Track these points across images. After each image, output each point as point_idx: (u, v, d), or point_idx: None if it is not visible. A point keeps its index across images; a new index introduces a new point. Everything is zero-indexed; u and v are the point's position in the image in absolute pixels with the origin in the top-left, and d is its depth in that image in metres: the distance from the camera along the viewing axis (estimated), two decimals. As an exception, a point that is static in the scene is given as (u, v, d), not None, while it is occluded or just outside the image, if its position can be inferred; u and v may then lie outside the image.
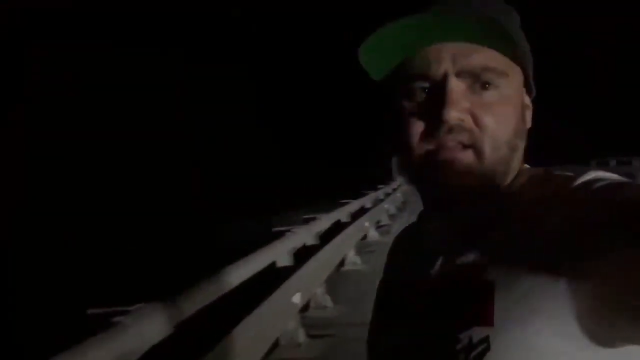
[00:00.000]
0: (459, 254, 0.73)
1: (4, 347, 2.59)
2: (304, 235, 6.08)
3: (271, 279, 4.13)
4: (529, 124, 0.77)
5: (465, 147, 0.71)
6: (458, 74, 0.71)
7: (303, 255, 5.32)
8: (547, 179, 0.72)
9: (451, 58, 0.71)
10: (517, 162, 0.76)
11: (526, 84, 0.77)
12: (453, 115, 0.69)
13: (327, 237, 6.61)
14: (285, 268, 4.88)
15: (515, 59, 0.73)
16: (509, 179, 0.75)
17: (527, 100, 0.77)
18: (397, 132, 0.74)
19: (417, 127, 0.73)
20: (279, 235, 5.36)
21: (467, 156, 0.71)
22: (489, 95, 0.71)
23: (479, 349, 0.66)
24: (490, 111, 0.71)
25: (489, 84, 0.71)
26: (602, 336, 0.62)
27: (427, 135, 0.71)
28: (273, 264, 4.78)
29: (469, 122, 0.70)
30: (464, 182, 0.72)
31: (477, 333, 0.66)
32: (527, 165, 0.78)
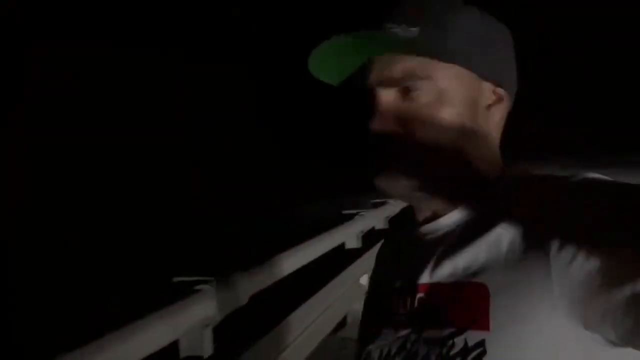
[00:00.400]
0: (451, 258, 0.73)
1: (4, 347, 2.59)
2: (372, 218, 6.29)
3: (340, 260, 4.25)
4: (497, 119, 0.77)
5: (402, 154, 0.72)
6: (383, 84, 0.73)
7: (371, 238, 5.45)
8: (538, 180, 0.73)
9: (377, 70, 0.74)
10: (485, 162, 0.75)
11: (486, 79, 0.76)
12: (379, 125, 0.72)
13: (395, 221, 6.76)
14: (353, 250, 5.05)
15: (445, 60, 0.73)
16: (485, 181, 0.75)
17: (492, 94, 0.77)
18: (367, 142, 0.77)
19: (368, 137, 0.75)
20: (349, 217, 5.57)
21: (404, 164, 0.72)
22: (417, 100, 0.72)
23: (475, 352, 0.66)
24: (418, 116, 0.72)
25: (411, 89, 0.72)
26: (597, 332, 0.62)
27: (373, 144, 0.74)
28: (342, 245, 4.98)
29: (398, 129, 0.72)
30: (404, 187, 0.74)
31: (473, 337, 0.67)
32: (514, 170, 0.78)
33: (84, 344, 1.34)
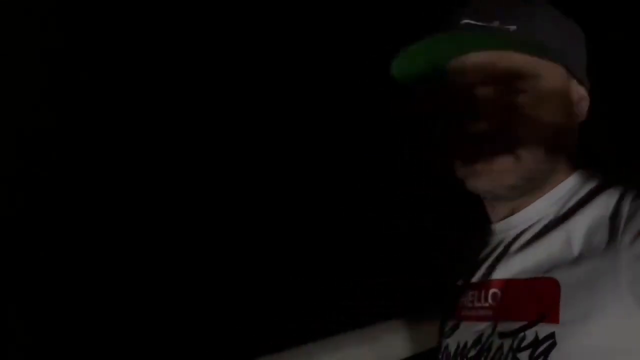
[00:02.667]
0: (525, 254, 0.75)
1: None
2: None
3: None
4: (581, 117, 0.77)
5: (502, 152, 0.71)
6: (486, 82, 0.72)
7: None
8: (604, 177, 0.74)
9: (479, 67, 0.73)
10: (565, 159, 0.76)
11: (574, 77, 0.77)
12: (482, 124, 0.71)
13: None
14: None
15: (547, 58, 0.72)
16: (559, 178, 0.76)
17: (578, 93, 0.77)
18: (437, 143, 0.77)
19: (455, 137, 0.76)
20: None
21: (505, 162, 0.72)
22: (520, 99, 0.72)
23: (545, 345, 0.68)
24: (522, 115, 0.71)
25: (517, 88, 0.72)
26: None
27: (464, 144, 0.74)
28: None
29: (500, 124, 0.71)
30: (501, 186, 0.74)
31: (543, 329, 0.68)
32: (582, 169, 0.78)
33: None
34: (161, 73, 2.99)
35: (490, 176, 0.74)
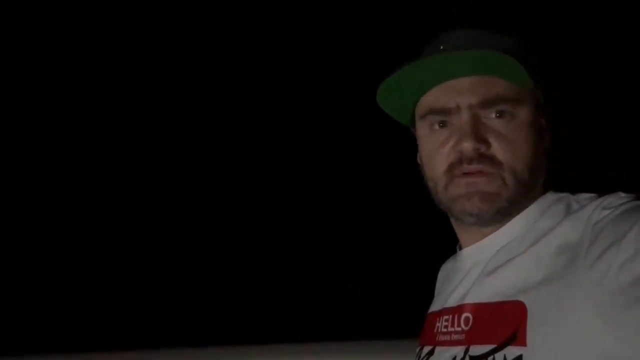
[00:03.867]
0: (494, 277, 0.75)
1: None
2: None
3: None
4: (548, 142, 0.77)
5: (488, 175, 0.73)
6: (473, 106, 0.74)
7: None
8: (571, 200, 0.74)
9: (466, 92, 0.74)
10: (540, 184, 0.76)
11: (546, 105, 0.77)
12: (471, 146, 0.73)
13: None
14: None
15: (528, 85, 0.74)
16: (527, 202, 0.76)
17: (547, 117, 0.77)
18: (425, 165, 0.79)
19: (442, 159, 0.76)
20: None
21: (491, 183, 0.74)
22: (504, 123, 0.74)
23: None
24: (507, 139, 0.73)
25: (503, 112, 0.73)
26: (629, 348, 0.63)
27: (451, 166, 0.75)
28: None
29: (487, 151, 0.73)
30: (490, 208, 0.75)
31: (511, 352, 0.69)
32: (551, 192, 0.79)
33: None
34: (160, 73, 2.99)
35: (481, 199, 0.75)
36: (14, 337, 2.68)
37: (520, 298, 0.71)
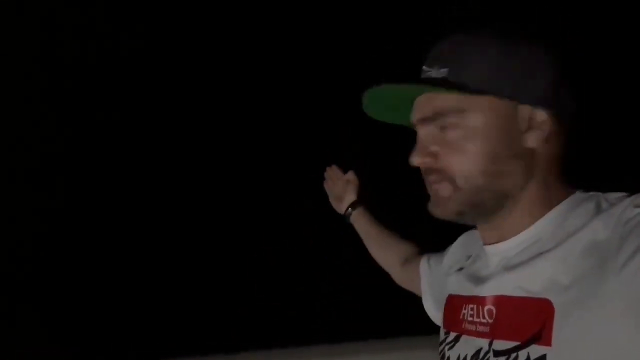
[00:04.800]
0: (517, 272, 0.76)
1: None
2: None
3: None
4: (538, 141, 0.77)
5: (439, 183, 0.78)
6: (419, 123, 0.79)
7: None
8: (600, 199, 0.75)
9: (415, 109, 0.80)
10: (512, 184, 0.77)
11: (530, 104, 0.76)
12: (416, 160, 0.78)
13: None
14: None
15: (475, 94, 0.75)
16: (552, 202, 0.76)
17: (532, 119, 0.76)
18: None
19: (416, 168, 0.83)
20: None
21: (445, 189, 0.77)
22: (450, 134, 0.77)
23: None
24: (453, 148, 0.76)
25: (445, 124, 0.77)
26: None
27: (423, 175, 0.82)
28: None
29: (436, 162, 0.77)
30: (444, 212, 0.79)
31: (535, 351, 0.69)
32: (579, 191, 0.79)
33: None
34: (159, 73, 3.00)
35: (436, 204, 0.79)
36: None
37: (548, 296, 0.72)
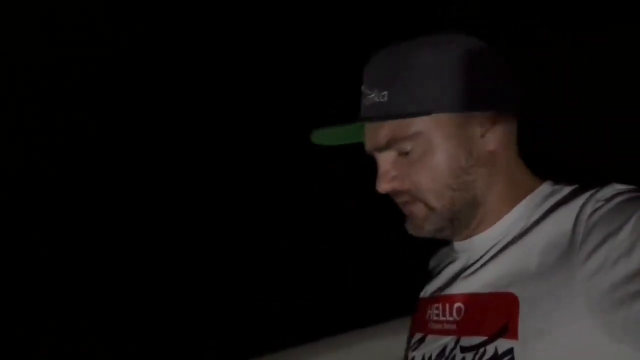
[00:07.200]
0: (486, 269, 0.76)
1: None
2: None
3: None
4: (490, 147, 0.77)
5: (412, 203, 0.78)
6: (377, 150, 0.78)
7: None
8: (565, 192, 0.75)
9: (366, 139, 0.79)
10: (481, 190, 0.77)
11: (478, 110, 0.76)
12: (383, 187, 0.78)
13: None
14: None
15: (420, 114, 0.75)
16: (519, 198, 0.77)
17: (483, 123, 0.76)
18: None
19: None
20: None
21: (419, 210, 0.77)
22: (410, 157, 0.76)
23: None
24: (415, 169, 0.76)
25: (400, 150, 0.77)
26: (623, 342, 0.63)
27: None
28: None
29: (402, 185, 0.77)
30: (423, 231, 0.79)
31: (503, 345, 0.70)
32: (548, 183, 0.79)
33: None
34: (159, 73, 3.00)
35: (414, 225, 0.80)
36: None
37: (512, 290, 0.72)
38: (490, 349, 0.71)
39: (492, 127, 0.77)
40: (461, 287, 0.80)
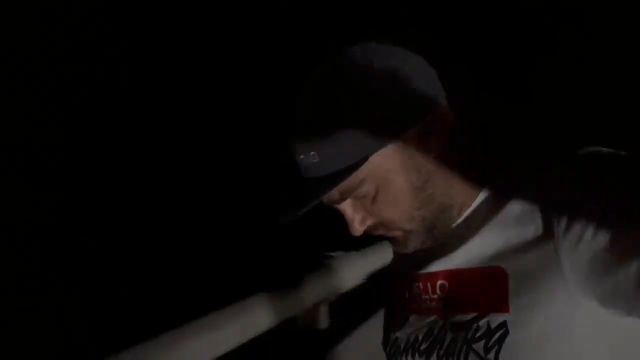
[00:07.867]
0: (467, 244, 0.76)
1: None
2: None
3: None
4: (433, 153, 0.75)
5: (389, 230, 0.78)
6: (335, 202, 0.77)
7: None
8: (545, 162, 0.74)
9: (327, 199, 0.77)
10: (447, 194, 0.76)
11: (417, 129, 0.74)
12: (358, 230, 0.77)
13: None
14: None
15: (358, 164, 0.73)
16: (452, 208, 0.77)
17: (415, 139, 0.74)
18: None
19: None
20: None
21: (398, 235, 0.77)
22: (366, 198, 0.75)
23: (498, 333, 0.69)
24: (377, 206, 0.75)
25: (357, 197, 0.76)
26: (613, 308, 0.64)
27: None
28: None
29: (374, 221, 0.76)
30: (412, 249, 0.79)
31: (495, 319, 0.70)
32: (517, 160, 0.79)
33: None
34: (159, 73, 3.00)
35: (399, 247, 0.79)
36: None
37: (498, 263, 0.71)
38: (482, 325, 0.71)
39: (427, 136, 0.75)
40: (441, 265, 0.79)
